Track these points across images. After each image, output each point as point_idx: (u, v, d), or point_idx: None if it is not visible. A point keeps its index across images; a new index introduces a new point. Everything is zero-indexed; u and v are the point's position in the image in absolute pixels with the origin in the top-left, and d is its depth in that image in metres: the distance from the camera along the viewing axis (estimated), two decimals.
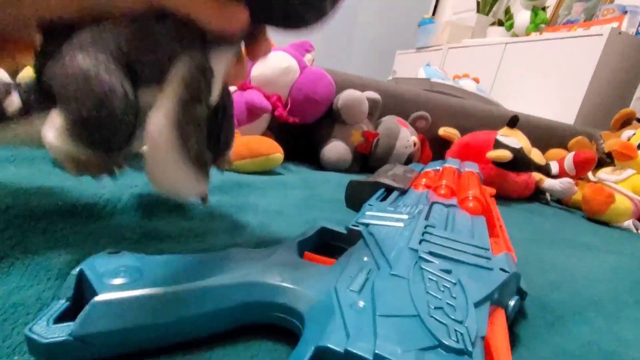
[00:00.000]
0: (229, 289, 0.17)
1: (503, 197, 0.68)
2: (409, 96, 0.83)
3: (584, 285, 0.32)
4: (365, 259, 0.20)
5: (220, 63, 0.19)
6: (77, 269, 0.16)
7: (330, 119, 0.69)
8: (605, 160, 0.77)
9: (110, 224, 0.26)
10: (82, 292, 0.16)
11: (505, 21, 1.95)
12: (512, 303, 0.20)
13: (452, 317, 0.15)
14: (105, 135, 0.16)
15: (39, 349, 0.14)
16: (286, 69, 0.61)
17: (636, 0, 1.39)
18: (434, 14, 2.56)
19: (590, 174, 0.77)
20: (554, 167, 0.75)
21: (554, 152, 0.86)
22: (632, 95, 1.34)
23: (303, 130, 0.68)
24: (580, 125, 1.14)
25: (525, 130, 0.75)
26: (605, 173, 0.74)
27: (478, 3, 2.10)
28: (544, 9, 1.74)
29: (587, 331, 0.24)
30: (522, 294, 0.22)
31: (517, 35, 1.79)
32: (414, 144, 0.73)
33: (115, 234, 0.25)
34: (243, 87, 0.59)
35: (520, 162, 0.65)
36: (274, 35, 0.21)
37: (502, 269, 0.20)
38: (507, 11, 1.98)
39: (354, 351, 0.13)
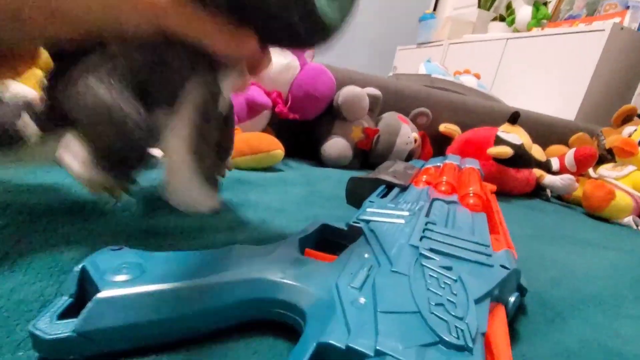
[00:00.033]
0: (231, 285, 0.17)
1: (504, 194, 0.68)
2: (410, 92, 0.83)
3: (584, 281, 0.32)
4: (366, 255, 0.21)
5: (228, 82, 0.20)
6: (80, 266, 0.16)
7: (330, 116, 0.69)
8: (606, 156, 0.77)
9: (112, 221, 0.26)
10: (85, 288, 0.16)
11: (507, 16, 1.94)
12: (512, 299, 0.20)
13: (453, 314, 0.15)
14: (126, 162, 0.17)
15: (43, 345, 0.14)
16: (286, 65, 0.61)
17: None
18: (434, 9, 2.54)
19: (591, 171, 0.77)
20: (555, 164, 0.75)
21: (555, 148, 0.86)
22: (634, 91, 1.33)
23: (303, 127, 0.68)
24: (582, 121, 1.14)
25: (526, 126, 0.75)
26: (606, 169, 0.74)
27: None
28: (545, 4, 1.73)
29: (587, 327, 0.24)
30: (522, 291, 0.22)
31: (518, 31, 1.78)
32: (415, 141, 0.73)
33: (117, 230, 0.25)
34: None
35: (521, 158, 0.65)
36: None
37: (502, 266, 0.21)
38: (509, 6, 1.97)
39: (355, 347, 0.13)
